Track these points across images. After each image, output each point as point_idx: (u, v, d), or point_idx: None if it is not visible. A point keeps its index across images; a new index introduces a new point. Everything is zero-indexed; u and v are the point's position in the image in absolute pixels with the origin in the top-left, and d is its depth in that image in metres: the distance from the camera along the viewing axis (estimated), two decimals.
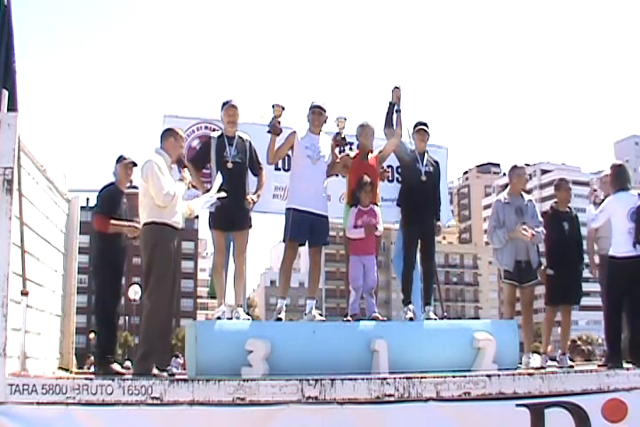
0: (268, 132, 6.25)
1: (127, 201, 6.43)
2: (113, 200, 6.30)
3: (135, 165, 6.37)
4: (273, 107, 6.26)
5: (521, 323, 7.13)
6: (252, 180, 6.39)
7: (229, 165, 6.11)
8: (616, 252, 6.42)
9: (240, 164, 6.18)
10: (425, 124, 6.90)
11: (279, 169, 7.21)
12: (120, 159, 6.47)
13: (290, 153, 6.56)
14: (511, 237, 6.98)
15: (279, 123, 6.25)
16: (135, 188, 6.29)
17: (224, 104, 6.27)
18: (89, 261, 10.32)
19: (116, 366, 6.00)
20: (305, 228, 6.21)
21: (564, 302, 7.27)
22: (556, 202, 7.48)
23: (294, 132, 6.41)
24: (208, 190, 6.10)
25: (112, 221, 6.14)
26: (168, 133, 5.81)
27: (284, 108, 6.27)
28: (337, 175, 6.82)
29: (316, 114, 6.42)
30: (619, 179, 6.63)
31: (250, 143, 6.33)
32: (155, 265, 5.46)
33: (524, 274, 7.11)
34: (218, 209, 6.05)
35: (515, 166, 7.41)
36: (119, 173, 6.43)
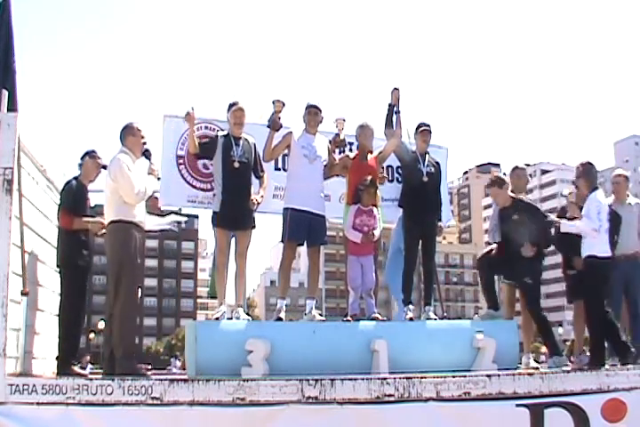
0: (268, 126, 6.25)
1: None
2: (77, 195, 6.09)
3: (105, 168, 6.15)
4: (273, 103, 6.26)
5: (520, 323, 7.12)
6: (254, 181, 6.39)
7: (236, 165, 6.11)
8: (598, 251, 6.36)
9: (246, 164, 6.19)
10: (428, 126, 6.91)
11: (279, 169, 7.19)
12: (92, 154, 6.23)
13: (286, 152, 6.57)
14: None
15: (279, 118, 6.25)
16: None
17: (231, 105, 6.26)
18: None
19: (77, 369, 5.87)
20: (303, 227, 6.21)
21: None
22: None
23: (291, 131, 6.41)
24: (212, 189, 6.16)
25: (77, 218, 5.96)
26: (126, 132, 5.80)
27: (284, 104, 6.28)
28: (337, 175, 6.83)
29: (312, 114, 6.42)
30: (593, 177, 6.63)
31: (255, 146, 6.34)
32: (124, 264, 5.49)
33: None
34: (222, 208, 6.06)
35: (515, 167, 7.42)
36: (86, 167, 6.18)
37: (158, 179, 6.02)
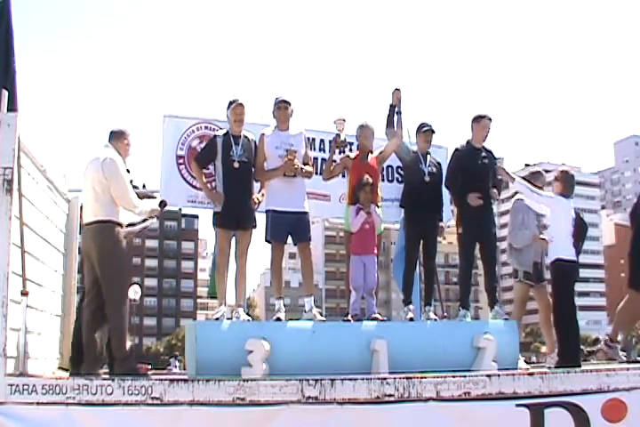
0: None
1: None
2: None
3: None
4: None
5: (543, 322, 7.19)
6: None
7: (236, 165, 6.07)
8: (565, 254, 6.62)
9: (246, 163, 6.13)
10: (430, 126, 6.91)
11: None
12: None
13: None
14: (534, 239, 7.22)
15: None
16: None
17: (231, 102, 6.20)
18: None
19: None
20: (285, 227, 6.15)
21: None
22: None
23: (263, 133, 6.30)
24: (214, 189, 6.18)
25: None
26: (120, 135, 5.87)
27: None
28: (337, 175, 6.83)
29: (282, 109, 6.29)
30: (569, 185, 6.91)
31: (255, 143, 6.28)
32: (120, 265, 5.54)
33: (540, 275, 7.39)
34: (224, 208, 6.05)
35: (539, 173, 7.61)
36: None
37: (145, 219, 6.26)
